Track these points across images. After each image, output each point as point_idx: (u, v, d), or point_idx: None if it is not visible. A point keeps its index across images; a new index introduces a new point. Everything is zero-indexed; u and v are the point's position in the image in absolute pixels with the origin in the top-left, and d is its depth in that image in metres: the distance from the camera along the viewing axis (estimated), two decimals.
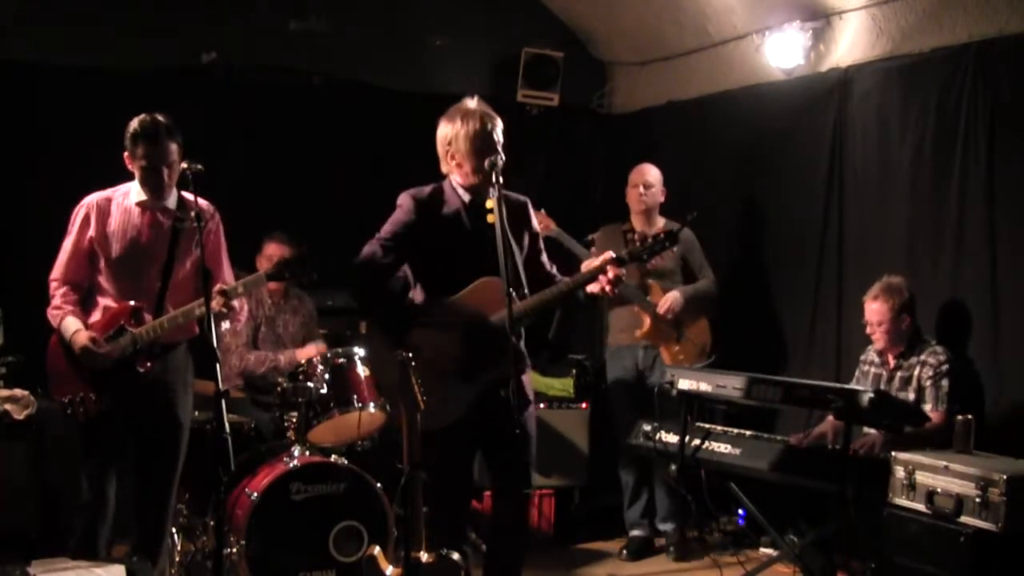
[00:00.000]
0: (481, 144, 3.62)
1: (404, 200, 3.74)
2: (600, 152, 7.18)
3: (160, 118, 3.86)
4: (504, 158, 3.61)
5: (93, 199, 3.97)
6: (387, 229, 3.70)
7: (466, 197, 3.72)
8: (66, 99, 5.59)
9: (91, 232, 3.92)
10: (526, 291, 3.68)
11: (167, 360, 3.99)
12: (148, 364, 3.89)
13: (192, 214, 3.60)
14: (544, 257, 3.92)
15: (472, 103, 3.69)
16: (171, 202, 3.97)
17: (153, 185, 3.89)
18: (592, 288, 3.69)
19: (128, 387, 3.86)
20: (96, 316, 3.91)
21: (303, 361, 5.09)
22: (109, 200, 3.96)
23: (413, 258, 3.73)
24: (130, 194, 3.96)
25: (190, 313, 3.84)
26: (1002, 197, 4.58)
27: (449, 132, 3.68)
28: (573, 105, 6.95)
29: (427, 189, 3.76)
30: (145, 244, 3.93)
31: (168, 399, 4.00)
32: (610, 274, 3.62)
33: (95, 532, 3.91)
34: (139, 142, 3.84)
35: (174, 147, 3.86)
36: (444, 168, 3.77)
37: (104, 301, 3.93)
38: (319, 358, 4.81)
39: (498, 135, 3.66)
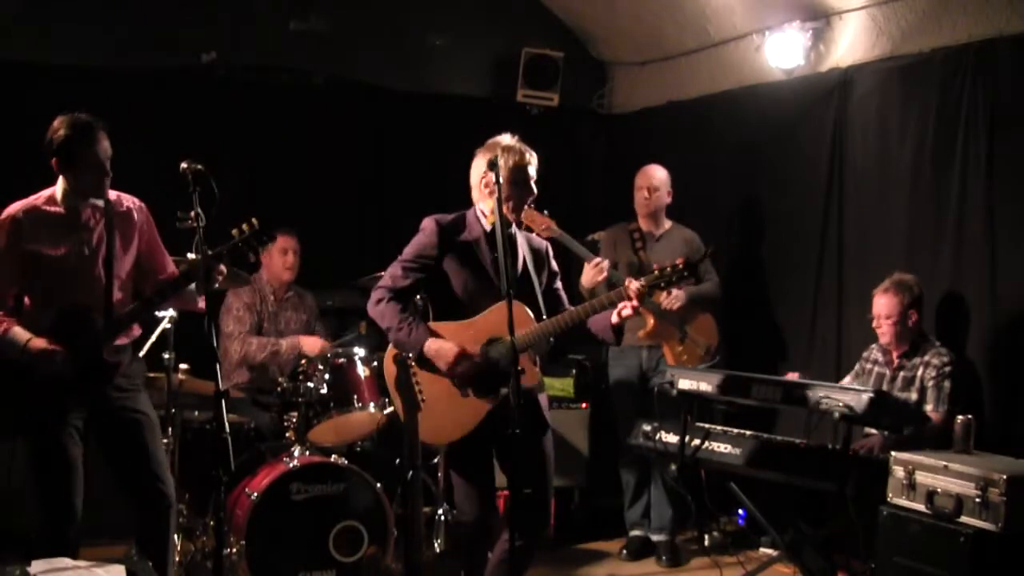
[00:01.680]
0: (516, 178, 3.81)
1: (428, 224, 3.87)
2: (600, 152, 7.19)
3: (86, 116, 3.80)
4: (536, 193, 3.88)
5: (17, 209, 3.84)
6: (409, 252, 3.86)
7: (488, 227, 3.86)
8: (66, 99, 5.56)
9: (25, 243, 3.79)
10: (544, 316, 3.86)
11: (120, 364, 3.92)
12: (118, 362, 3.85)
13: (192, 213, 3.57)
14: (563, 295, 4.08)
15: (510, 139, 3.87)
16: (100, 200, 3.91)
17: (99, 182, 3.82)
18: (613, 319, 3.86)
19: (94, 398, 3.81)
20: (40, 324, 3.77)
21: (305, 350, 5.17)
22: (36, 207, 3.84)
23: (431, 281, 3.86)
24: (56, 198, 3.86)
25: (175, 286, 3.81)
26: (1002, 197, 4.58)
27: (486, 164, 3.78)
28: (573, 105, 6.96)
29: (451, 216, 3.90)
30: (85, 244, 3.85)
31: (132, 398, 3.94)
32: (634, 298, 3.77)
33: (63, 539, 3.85)
34: (85, 142, 3.75)
35: (108, 141, 3.83)
36: (475, 196, 3.92)
37: (46, 310, 3.81)
38: (319, 358, 4.83)
39: (532, 172, 3.87)
